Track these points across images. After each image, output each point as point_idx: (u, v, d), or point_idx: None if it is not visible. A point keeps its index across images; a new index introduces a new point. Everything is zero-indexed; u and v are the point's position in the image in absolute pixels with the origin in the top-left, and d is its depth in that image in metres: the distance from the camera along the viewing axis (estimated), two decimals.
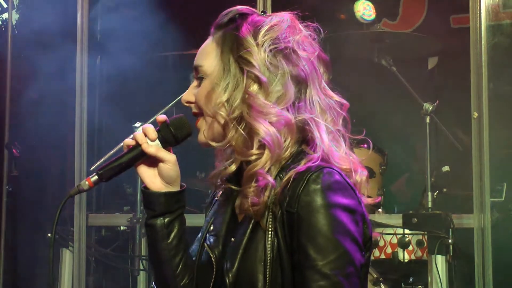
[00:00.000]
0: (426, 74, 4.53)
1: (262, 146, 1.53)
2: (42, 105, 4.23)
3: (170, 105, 3.70)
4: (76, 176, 3.71)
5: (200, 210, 3.81)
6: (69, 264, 3.76)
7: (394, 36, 4.11)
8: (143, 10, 4.67)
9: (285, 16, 1.62)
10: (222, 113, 1.56)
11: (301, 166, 1.51)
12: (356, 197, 1.52)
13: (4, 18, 4.34)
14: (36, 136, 4.18)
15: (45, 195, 4.23)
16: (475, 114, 3.14)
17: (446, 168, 3.59)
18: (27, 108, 4.24)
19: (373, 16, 4.25)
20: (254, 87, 1.55)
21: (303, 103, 1.58)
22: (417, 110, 3.46)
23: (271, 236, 1.51)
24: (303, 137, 1.58)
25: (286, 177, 1.50)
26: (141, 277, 3.83)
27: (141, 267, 3.74)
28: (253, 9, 1.65)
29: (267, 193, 1.51)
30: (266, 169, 1.52)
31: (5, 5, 4.32)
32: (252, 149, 1.53)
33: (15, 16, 4.36)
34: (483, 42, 3.20)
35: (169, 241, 1.66)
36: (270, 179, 1.51)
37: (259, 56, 1.55)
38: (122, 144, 3.61)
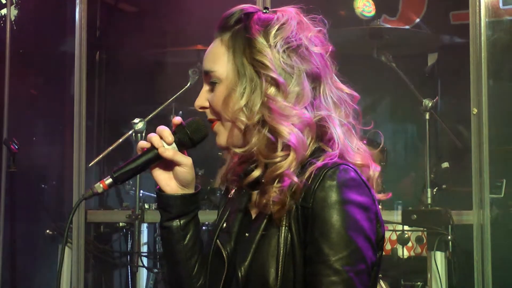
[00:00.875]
0: (425, 70, 4.52)
1: (286, 148, 1.52)
2: (40, 101, 4.23)
3: (169, 101, 3.70)
4: (75, 172, 3.70)
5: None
6: (67, 261, 3.76)
7: (394, 32, 4.10)
8: (143, 5, 4.67)
9: (292, 13, 1.60)
10: (242, 118, 1.54)
11: (319, 162, 1.50)
12: (370, 195, 1.52)
13: (3, 14, 4.33)
14: (34, 132, 4.17)
15: (43, 191, 4.23)
16: (475, 110, 3.14)
17: (445, 165, 3.58)
18: (25, 103, 4.24)
19: (373, 12, 4.24)
20: (272, 90, 1.53)
21: (318, 100, 1.57)
22: (416, 106, 3.45)
23: (284, 231, 1.51)
24: (321, 133, 1.57)
25: (307, 174, 1.50)
26: (140, 274, 3.83)
27: (140, 263, 3.74)
28: (257, 7, 1.63)
29: (289, 192, 1.50)
30: (292, 169, 1.51)
31: (3, 1, 4.32)
32: (276, 151, 1.52)
33: (14, 12, 4.35)
34: (482, 39, 3.19)
35: (185, 242, 1.67)
36: (296, 179, 1.50)
37: (273, 58, 1.53)
38: (120, 140, 3.62)
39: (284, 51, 1.54)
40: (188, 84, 3.70)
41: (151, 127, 3.46)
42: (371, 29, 3.89)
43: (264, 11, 1.61)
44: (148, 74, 4.48)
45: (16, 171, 3.81)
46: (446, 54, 4.39)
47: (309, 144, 1.55)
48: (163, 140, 1.60)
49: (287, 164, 1.51)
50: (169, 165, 1.63)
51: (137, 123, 3.44)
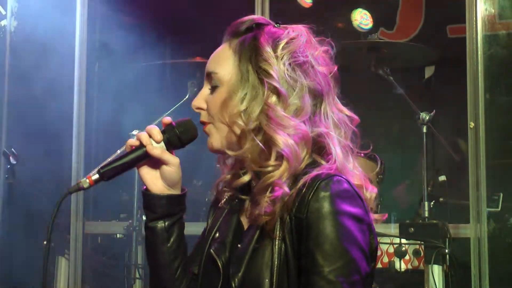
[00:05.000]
0: (423, 84, 4.54)
1: (280, 158, 1.53)
2: (39, 112, 4.23)
3: (168, 112, 3.71)
4: (73, 183, 3.70)
5: (197, 218, 3.80)
6: (65, 272, 3.75)
7: (391, 46, 4.12)
8: (142, 18, 4.68)
9: (302, 30, 1.62)
10: (240, 123, 1.55)
11: (313, 172, 1.52)
12: (363, 206, 1.53)
13: (2, 25, 4.34)
14: (33, 143, 4.17)
15: (41, 203, 4.22)
16: (472, 124, 3.15)
17: (442, 178, 3.59)
18: (24, 114, 4.24)
19: (370, 25, 4.26)
20: (273, 99, 1.54)
21: (318, 117, 1.59)
22: (414, 119, 3.46)
23: (278, 242, 1.51)
24: (318, 149, 1.58)
25: (300, 184, 1.51)
26: (137, 286, 3.82)
27: (137, 275, 3.73)
28: (269, 20, 1.65)
29: (280, 203, 1.51)
30: (283, 180, 1.51)
31: (3, 12, 4.33)
32: (269, 160, 1.53)
33: (14, 23, 4.36)
34: (479, 52, 3.21)
35: (169, 244, 1.67)
36: (287, 189, 1.51)
37: (278, 69, 1.55)
38: (119, 151, 3.61)
39: (289, 64, 1.56)
40: (187, 96, 3.72)
41: None
42: (369, 42, 3.91)
43: (276, 25, 1.63)
44: (147, 86, 4.49)
45: (14, 182, 3.80)
46: (443, 68, 4.41)
47: (304, 157, 1.55)
48: (152, 138, 1.60)
49: (278, 173, 1.51)
50: (156, 164, 1.63)
51: (135, 135, 3.45)
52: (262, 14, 3.48)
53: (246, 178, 1.58)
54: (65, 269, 3.75)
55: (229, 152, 1.59)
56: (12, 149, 3.85)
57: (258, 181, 1.56)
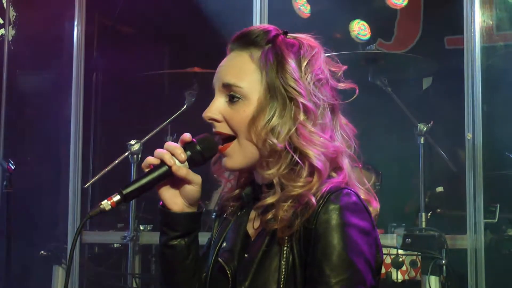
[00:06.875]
0: (420, 95, 4.55)
1: (311, 173, 1.54)
2: (37, 121, 4.24)
3: (165, 122, 3.71)
4: (70, 193, 3.70)
5: None
6: (61, 282, 3.74)
7: (389, 57, 4.13)
8: (139, 28, 4.70)
9: (318, 45, 1.63)
10: (273, 141, 1.54)
11: (324, 186, 1.53)
12: (371, 220, 1.55)
13: (0, 34, 4.35)
14: (30, 153, 4.18)
15: (38, 212, 4.22)
16: (469, 135, 3.16)
17: (440, 189, 3.60)
18: (22, 124, 4.24)
19: (368, 35, 4.28)
20: (302, 116, 1.55)
21: (334, 132, 1.61)
22: (411, 130, 3.47)
23: (286, 252, 1.53)
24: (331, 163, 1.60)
25: (318, 197, 1.52)
26: None
27: (134, 284, 3.72)
28: (278, 28, 1.65)
29: (300, 213, 1.51)
30: (312, 191, 1.52)
31: (1, 21, 4.34)
32: (300, 176, 1.54)
33: (12, 32, 4.37)
34: (477, 64, 3.22)
35: (188, 262, 1.66)
36: (314, 201, 1.51)
37: (304, 86, 1.56)
38: (116, 161, 3.62)
39: (314, 83, 1.58)
40: (185, 106, 3.72)
41: (147, 149, 3.47)
42: (367, 53, 3.92)
43: (283, 33, 1.63)
44: (145, 96, 4.50)
45: (12, 191, 3.80)
46: (441, 79, 4.42)
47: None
48: (176, 158, 1.58)
49: (308, 186, 1.53)
50: (176, 182, 1.61)
51: (133, 145, 3.45)
52: (261, 18, 3.49)
53: (270, 200, 1.56)
54: (62, 278, 3.74)
55: (265, 174, 1.57)
56: (10, 159, 3.85)
57: (268, 192, 1.57)
